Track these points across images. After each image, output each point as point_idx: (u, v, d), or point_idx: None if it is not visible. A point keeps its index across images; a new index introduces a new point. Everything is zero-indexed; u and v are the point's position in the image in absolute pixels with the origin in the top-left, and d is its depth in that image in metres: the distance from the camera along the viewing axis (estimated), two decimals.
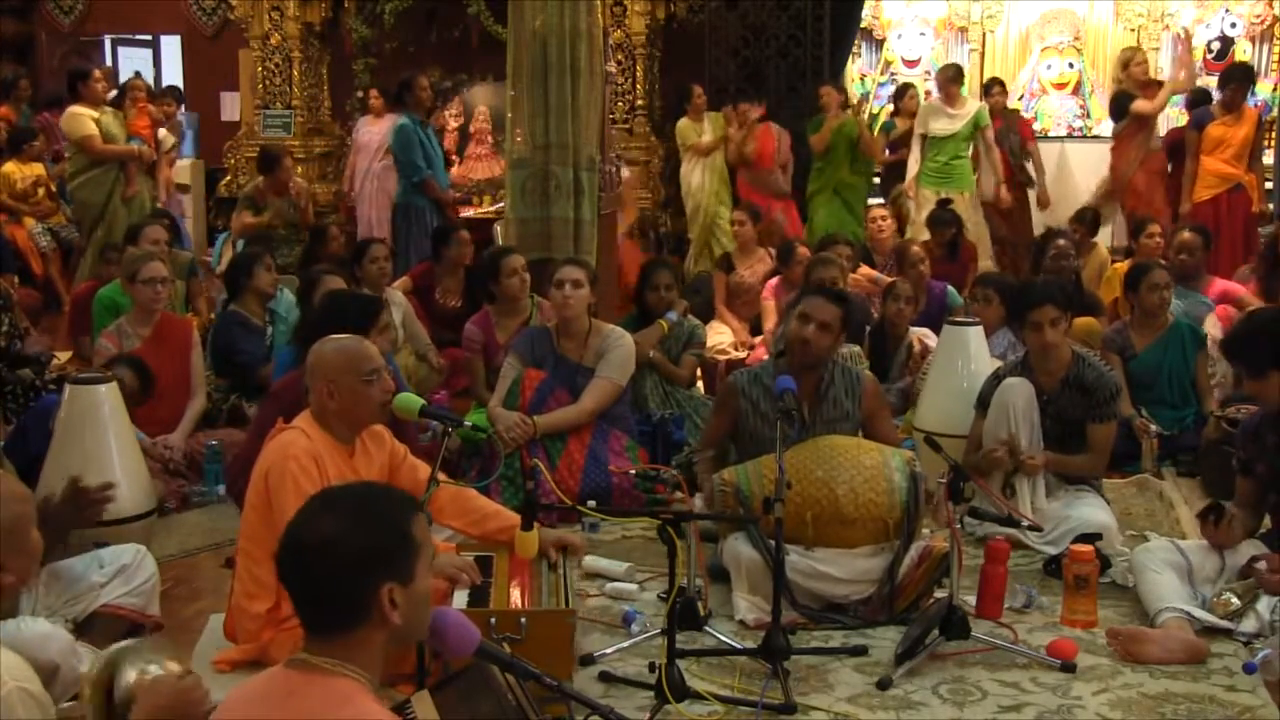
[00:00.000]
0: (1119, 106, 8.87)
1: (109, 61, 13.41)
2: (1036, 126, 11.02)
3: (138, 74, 11.10)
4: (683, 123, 9.17)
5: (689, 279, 8.21)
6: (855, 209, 8.86)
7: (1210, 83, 9.64)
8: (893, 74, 11.28)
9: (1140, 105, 8.65)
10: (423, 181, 8.10)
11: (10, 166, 9.40)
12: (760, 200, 8.58)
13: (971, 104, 8.91)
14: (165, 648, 2.60)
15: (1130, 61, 8.97)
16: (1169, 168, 8.91)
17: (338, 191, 10.38)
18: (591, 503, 3.63)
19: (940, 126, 8.84)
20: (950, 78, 8.97)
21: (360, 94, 10.60)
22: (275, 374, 5.20)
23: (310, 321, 4.80)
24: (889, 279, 6.99)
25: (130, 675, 2.47)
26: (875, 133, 10.17)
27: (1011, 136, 9.11)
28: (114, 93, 9.45)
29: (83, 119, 8.27)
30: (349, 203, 9.90)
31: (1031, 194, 9.23)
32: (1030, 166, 9.20)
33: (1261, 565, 3.71)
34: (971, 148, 8.83)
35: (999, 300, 6.01)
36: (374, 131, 9.48)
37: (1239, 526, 3.87)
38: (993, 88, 9.41)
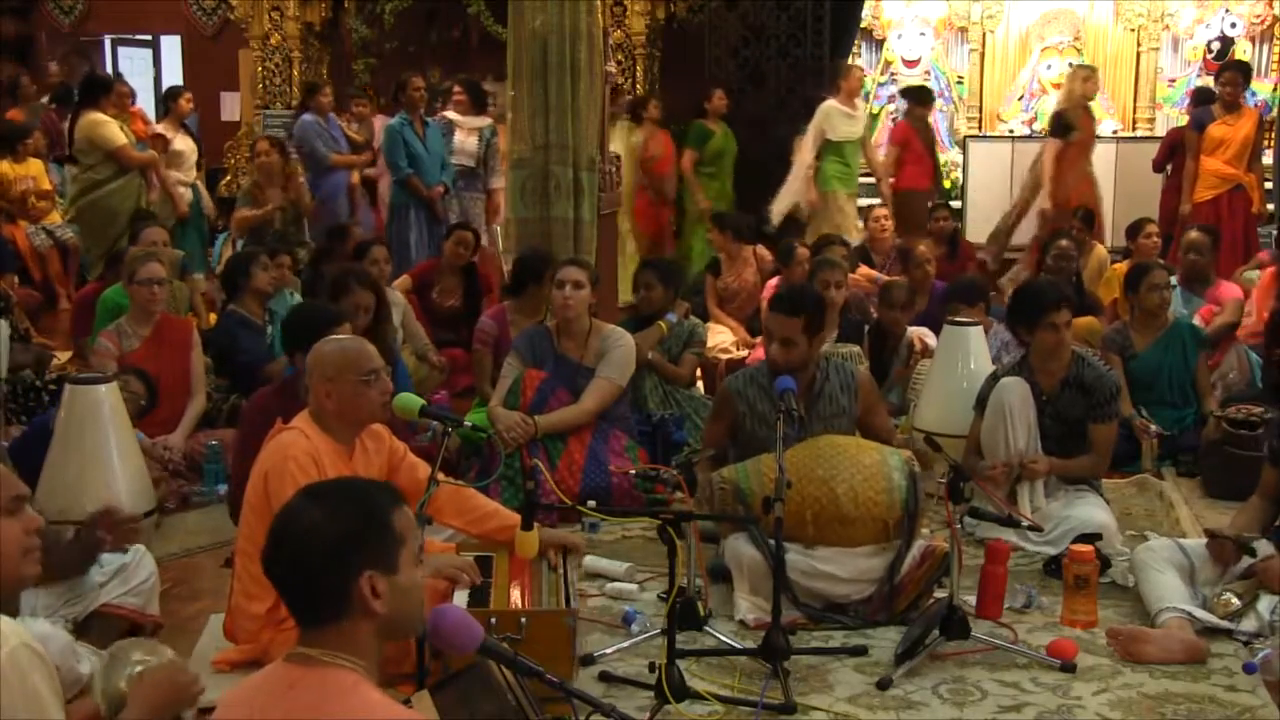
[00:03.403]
0: (1060, 125, 8.67)
1: (109, 61, 13.42)
2: (1036, 126, 11.02)
3: (120, 75, 11.06)
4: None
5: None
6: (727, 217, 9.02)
7: (1210, 82, 9.64)
8: (893, 74, 11.28)
9: (1047, 161, 8.53)
10: (405, 180, 8.15)
11: (4, 166, 9.38)
12: (653, 206, 8.68)
13: (864, 106, 8.91)
14: (149, 647, 2.60)
15: (1090, 78, 8.92)
16: (1168, 169, 8.91)
17: None
18: (591, 503, 3.62)
19: (845, 129, 8.84)
20: (860, 77, 9.06)
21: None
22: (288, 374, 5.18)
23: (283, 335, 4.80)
24: (888, 278, 7.00)
25: (120, 684, 2.47)
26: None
27: None
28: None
29: (112, 128, 8.24)
30: None
31: None
32: None
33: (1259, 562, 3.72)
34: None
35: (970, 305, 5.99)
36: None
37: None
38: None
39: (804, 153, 8.78)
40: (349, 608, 1.96)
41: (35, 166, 9.48)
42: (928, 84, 10.37)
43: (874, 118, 11.17)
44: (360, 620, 1.97)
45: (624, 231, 8.81)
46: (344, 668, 1.95)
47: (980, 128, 10.98)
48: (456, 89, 8.83)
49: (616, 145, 8.81)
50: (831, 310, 5.70)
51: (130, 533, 3.62)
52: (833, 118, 8.79)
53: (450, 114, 8.73)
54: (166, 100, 9.85)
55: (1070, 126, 8.54)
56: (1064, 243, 7.12)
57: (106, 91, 8.48)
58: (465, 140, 8.58)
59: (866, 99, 11.39)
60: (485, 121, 8.66)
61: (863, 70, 9.44)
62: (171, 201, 8.79)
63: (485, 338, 5.75)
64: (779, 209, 8.88)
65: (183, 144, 9.21)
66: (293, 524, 1.99)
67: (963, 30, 11.25)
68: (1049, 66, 11.15)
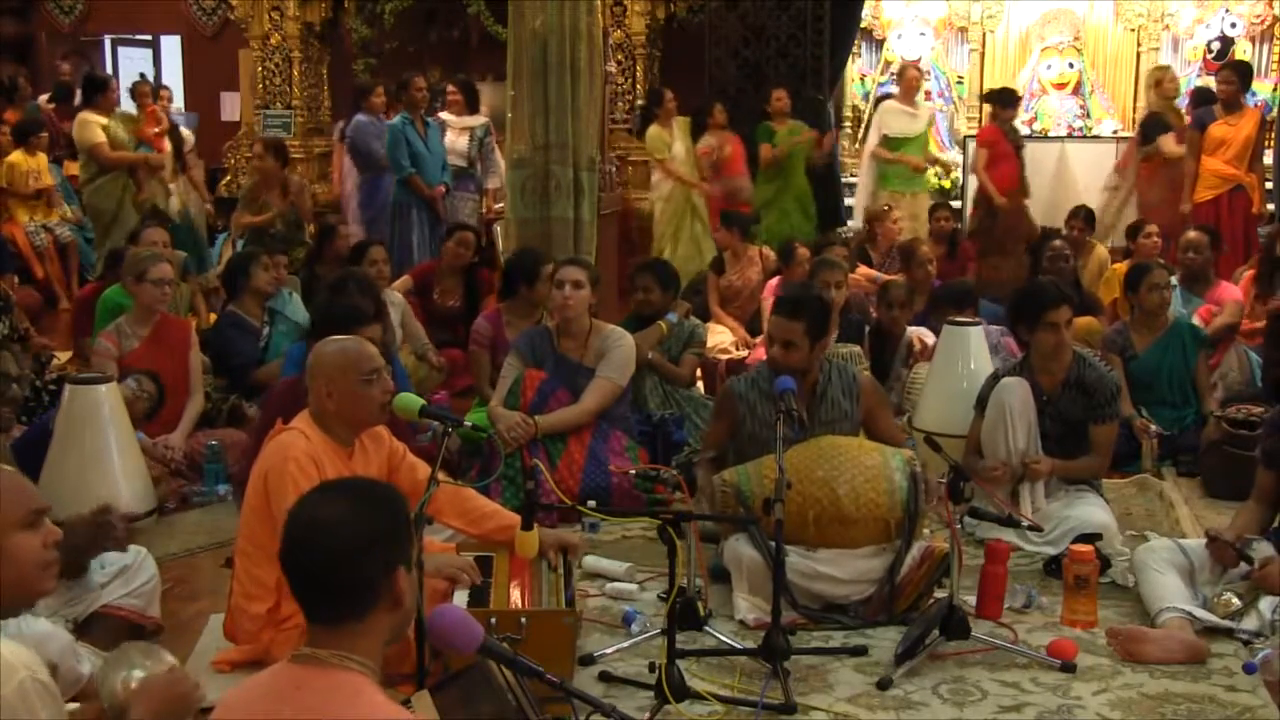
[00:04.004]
0: (1151, 128, 8.73)
1: (109, 61, 13.43)
2: (1036, 126, 11.03)
3: (142, 76, 11.10)
4: (652, 130, 8.90)
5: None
6: (810, 213, 8.92)
7: (1210, 82, 9.63)
8: (893, 74, 11.28)
9: (1170, 148, 8.52)
10: (408, 179, 8.18)
11: (16, 156, 9.46)
12: (731, 207, 8.63)
13: (926, 105, 8.96)
14: (150, 653, 2.59)
15: (1163, 79, 8.95)
16: None
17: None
18: (591, 503, 3.63)
19: (902, 127, 8.84)
20: (916, 76, 9.03)
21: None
22: (285, 372, 5.18)
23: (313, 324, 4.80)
24: (888, 277, 7.00)
25: (115, 684, 2.47)
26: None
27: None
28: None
29: (92, 127, 8.33)
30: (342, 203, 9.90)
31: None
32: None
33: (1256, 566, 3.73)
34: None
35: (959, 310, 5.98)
36: None
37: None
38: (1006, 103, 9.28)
39: (870, 151, 8.88)
40: (374, 603, 1.98)
41: (42, 161, 9.55)
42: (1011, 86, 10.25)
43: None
44: (383, 615, 2.00)
45: (698, 231, 8.76)
46: (350, 669, 1.95)
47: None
48: (451, 89, 8.86)
49: (678, 145, 8.82)
50: (831, 310, 5.69)
51: (125, 534, 3.60)
52: (887, 114, 8.89)
53: (444, 115, 8.74)
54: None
55: (1169, 125, 8.65)
56: (1058, 242, 7.11)
57: (100, 91, 8.57)
58: (456, 140, 8.60)
59: (866, 99, 11.43)
60: (478, 120, 8.66)
61: (917, 70, 9.37)
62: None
63: (481, 339, 5.76)
64: (858, 208, 8.94)
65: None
66: (323, 520, 1.99)
67: (963, 30, 11.26)
68: (1049, 66, 11.16)
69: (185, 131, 9.96)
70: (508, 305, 5.81)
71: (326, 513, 1.99)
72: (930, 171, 10.70)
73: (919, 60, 11.21)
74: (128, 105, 9.56)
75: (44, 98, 11.51)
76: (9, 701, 1.93)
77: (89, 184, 8.49)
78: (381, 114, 8.91)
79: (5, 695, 1.93)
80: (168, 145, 9.01)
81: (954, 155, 10.84)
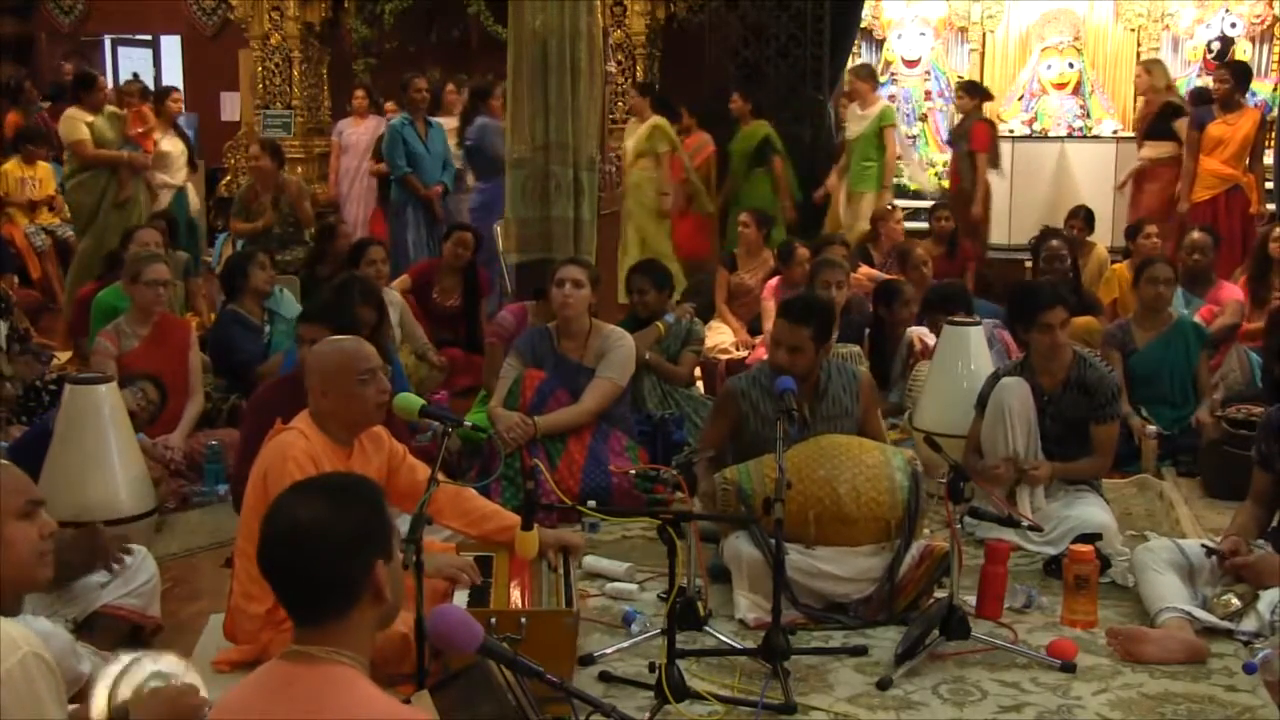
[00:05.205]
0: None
1: (109, 61, 13.43)
2: (1036, 126, 11.01)
3: (135, 75, 11.10)
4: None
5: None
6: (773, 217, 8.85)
7: (1210, 82, 9.62)
8: (893, 74, 11.28)
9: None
10: (403, 178, 8.20)
11: (10, 165, 9.45)
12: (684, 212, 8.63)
13: (879, 104, 8.91)
14: (167, 665, 2.59)
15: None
16: None
17: None
18: (591, 503, 3.63)
19: (851, 128, 8.85)
20: (861, 77, 9.02)
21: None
22: (284, 370, 5.17)
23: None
24: (888, 276, 6.99)
25: (125, 693, 2.47)
26: None
27: (961, 143, 9.04)
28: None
29: (75, 123, 8.34)
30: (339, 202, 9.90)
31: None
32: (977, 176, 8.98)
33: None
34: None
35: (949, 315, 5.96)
36: (359, 132, 9.50)
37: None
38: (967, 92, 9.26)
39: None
40: (358, 598, 1.98)
41: (41, 169, 9.54)
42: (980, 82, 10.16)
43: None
44: (367, 610, 1.99)
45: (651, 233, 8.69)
46: (341, 663, 1.95)
47: None
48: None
49: (628, 141, 8.77)
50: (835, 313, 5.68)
51: (118, 551, 3.61)
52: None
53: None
54: (155, 101, 9.85)
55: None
56: (1055, 243, 7.11)
57: (87, 88, 8.56)
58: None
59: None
60: (455, 123, 8.69)
61: (854, 76, 9.34)
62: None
63: (503, 332, 5.74)
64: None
65: (170, 145, 9.19)
66: (298, 521, 1.98)
67: (963, 30, 11.24)
68: (1049, 66, 11.13)
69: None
70: (535, 306, 5.79)
71: (302, 517, 1.98)
72: (931, 171, 10.71)
73: (918, 59, 11.22)
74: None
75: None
76: (11, 676, 1.93)
77: (71, 179, 8.43)
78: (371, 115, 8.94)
79: (8, 669, 1.93)
80: (164, 145, 9.00)
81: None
